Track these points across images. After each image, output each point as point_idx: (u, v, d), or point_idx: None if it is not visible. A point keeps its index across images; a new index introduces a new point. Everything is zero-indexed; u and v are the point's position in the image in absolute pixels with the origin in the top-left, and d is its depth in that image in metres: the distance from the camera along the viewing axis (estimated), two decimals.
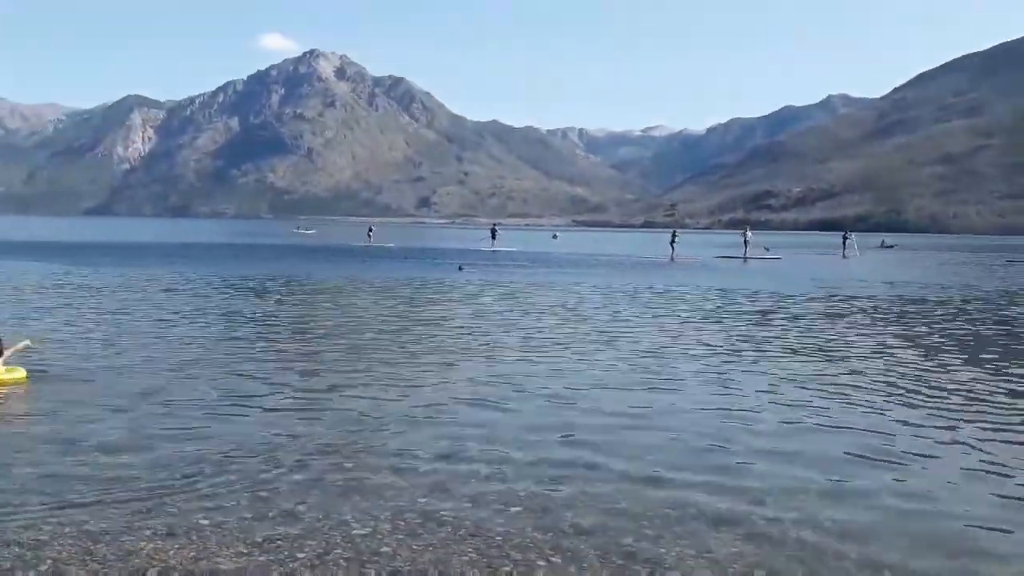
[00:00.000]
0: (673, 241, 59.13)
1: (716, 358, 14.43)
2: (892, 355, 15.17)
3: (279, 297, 25.06)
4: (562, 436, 8.90)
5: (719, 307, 23.99)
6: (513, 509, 6.58)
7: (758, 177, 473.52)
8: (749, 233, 63.48)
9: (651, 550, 5.79)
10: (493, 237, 71.42)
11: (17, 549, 5.55)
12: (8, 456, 7.78)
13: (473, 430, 9.05)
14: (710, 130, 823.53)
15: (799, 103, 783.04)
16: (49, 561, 5.36)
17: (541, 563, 5.57)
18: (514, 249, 67.88)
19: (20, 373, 11.39)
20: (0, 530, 5.88)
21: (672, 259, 54.59)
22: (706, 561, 5.65)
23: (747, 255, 57.89)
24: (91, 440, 8.37)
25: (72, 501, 6.53)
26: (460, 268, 40.22)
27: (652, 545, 5.88)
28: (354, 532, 6.02)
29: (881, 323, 20.63)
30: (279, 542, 5.79)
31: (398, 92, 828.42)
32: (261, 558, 5.51)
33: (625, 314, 21.47)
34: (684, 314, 21.78)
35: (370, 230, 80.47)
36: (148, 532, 5.90)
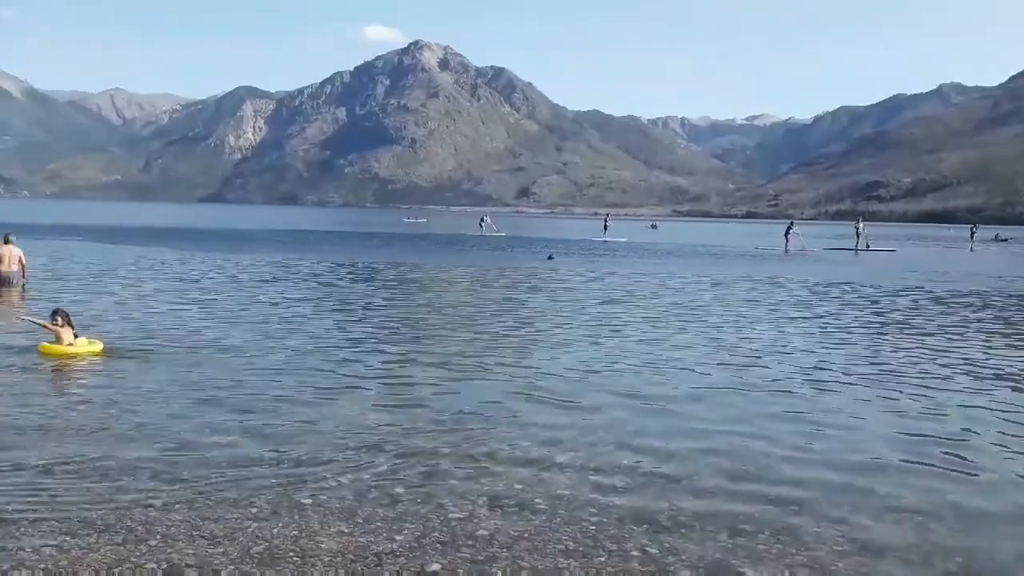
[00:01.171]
0: (788, 232, 57.74)
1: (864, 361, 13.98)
2: None
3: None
4: (666, 430, 8.78)
5: (856, 300, 23.27)
6: (609, 499, 6.52)
7: (866, 167, 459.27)
8: (862, 224, 61.57)
9: (748, 548, 5.66)
10: (605, 228, 71.77)
11: (129, 523, 5.75)
12: (112, 430, 8.09)
13: (572, 418, 9.01)
14: (817, 119, 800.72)
15: (910, 91, 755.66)
16: (159, 536, 5.54)
17: (636, 553, 5.50)
18: (623, 239, 67.67)
19: (97, 346, 11.92)
20: (113, 504, 6.10)
21: (786, 251, 53.40)
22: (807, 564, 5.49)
23: (859, 247, 56.30)
24: (192, 417, 8.65)
25: (179, 477, 6.75)
26: (550, 257, 39.87)
27: (748, 542, 5.75)
28: (451, 516, 6.05)
29: None
30: (378, 523, 5.87)
31: (500, 83, 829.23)
32: (361, 539, 5.59)
33: (748, 308, 21.03)
34: (818, 308, 21.24)
35: (482, 219, 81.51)
36: (253, 510, 6.04)
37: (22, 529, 5.57)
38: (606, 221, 76.25)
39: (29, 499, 6.15)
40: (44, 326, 12.03)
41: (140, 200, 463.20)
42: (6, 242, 20.71)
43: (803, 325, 17.71)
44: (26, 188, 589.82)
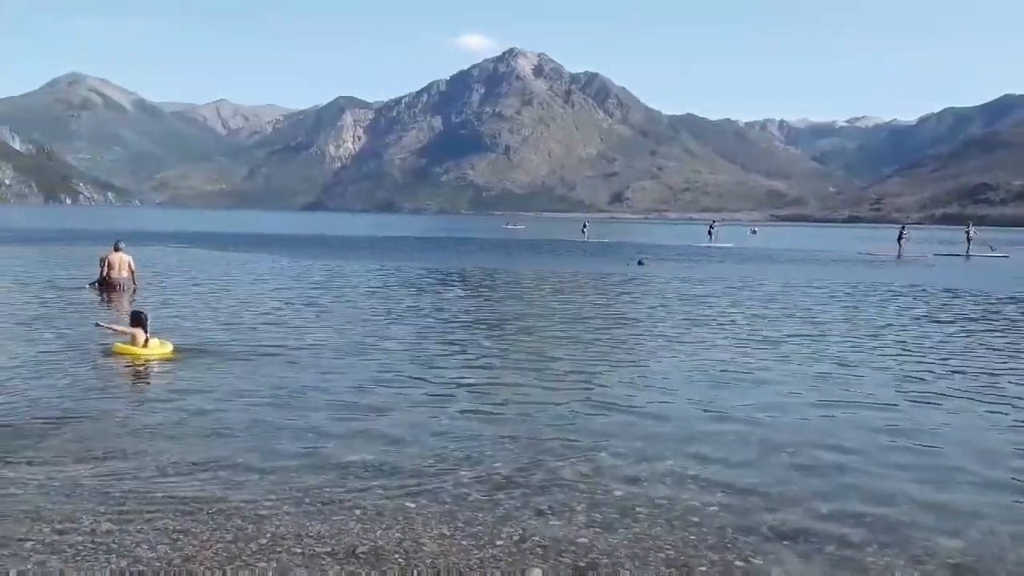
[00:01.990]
0: (901, 237, 56.10)
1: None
2: None
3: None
4: (766, 437, 8.61)
5: (971, 309, 22.34)
6: (711, 509, 6.44)
7: (974, 169, 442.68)
8: (972, 229, 59.51)
9: (854, 562, 5.52)
10: (710, 233, 71.45)
11: (239, 521, 5.93)
12: (212, 429, 8.34)
13: (669, 428, 8.92)
14: (921, 120, 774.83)
15: (1019, 91, 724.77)
16: (268, 535, 5.70)
17: (739, 563, 5.42)
18: (730, 245, 66.96)
19: (168, 347, 12.46)
20: (224, 503, 6.30)
21: (899, 256, 51.83)
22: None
23: (970, 252, 54.36)
24: (287, 419, 8.84)
25: (285, 478, 6.92)
26: (640, 263, 39.38)
27: (855, 555, 5.61)
28: (550, 522, 6.06)
29: None
30: (478, 527, 5.92)
31: (593, 88, 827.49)
32: (462, 542, 5.65)
33: (868, 314, 20.48)
34: (941, 316, 20.54)
35: (584, 226, 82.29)
36: (357, 512, 6.17)
37: (138, 527, 5.79)
38: (712, 226, 75.19)
39: (144, 497, 6.40)
40: (118, 331, 12.64)
41: (244, 208, 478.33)
42: (116, 249, 21.57)
43: (915, 334, 17.12)
44: (136, 197, 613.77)
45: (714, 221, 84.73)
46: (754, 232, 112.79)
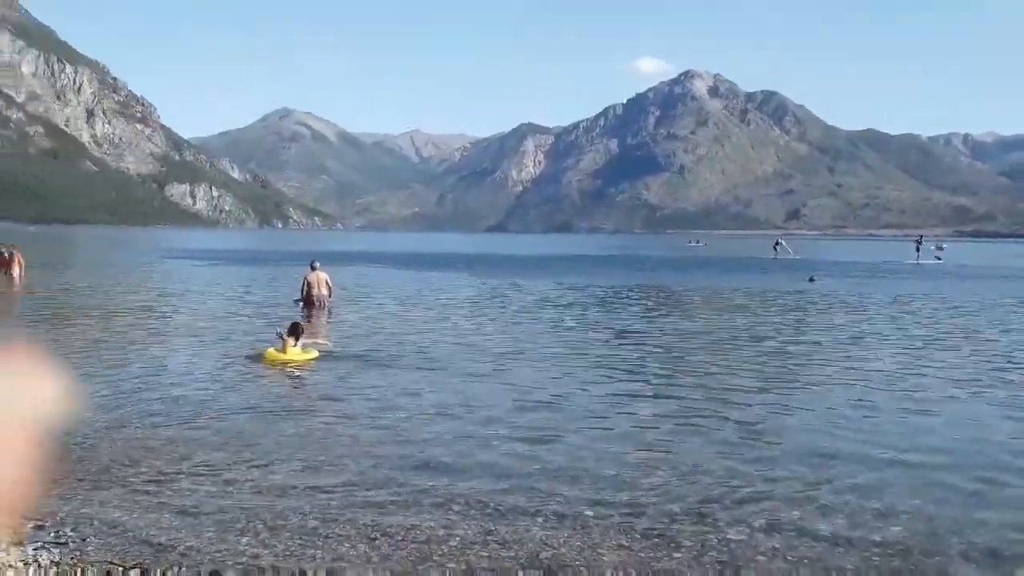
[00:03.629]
0: None
1: None
2: None
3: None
4: (948, 459, 8.07)
5: None
6: (893, 529, 6.07)
7: None
8: None
9: None
10: (917, 250, 67.47)
11: (431, 523, 6.05)
12: (392, 434, 8.56)
13: (847, 446, 8.48)
14: None
15: None
16: (457, 538, 5.80)
17: None
18: (941, 261, 63.31)
19: (312, 354, 13.34)
20: (415, 510, 6.44)
21: None
22: None
23: None
24: (461, 429, 8.94)
25: (469, 484, 7.02)
26: (811, 279, 37.93)
27: None
28: (729, 537, 5.87)
29: None
30: (656, 539, 5.80)
31: (771, 106, 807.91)
32: (640, 553, 5.56)
33: None
34: None
35: (777, 243, 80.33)
36: (540, 519, 6.18)
37: (338, 528, 6.02)
38: (919, 243, 70.07)
39: (344, 498, 6.66)
40: (284, 338, 13.35)
41: (435, 231, 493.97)
42: (312, 269, 22.69)
43: None
44: (339, 221, 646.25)
45: (920, 237, 78.30)
46: (941, 248, 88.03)
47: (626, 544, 5.72)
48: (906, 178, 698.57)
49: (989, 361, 14.37)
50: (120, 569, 5.02)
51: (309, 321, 19.04)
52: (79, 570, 4.64)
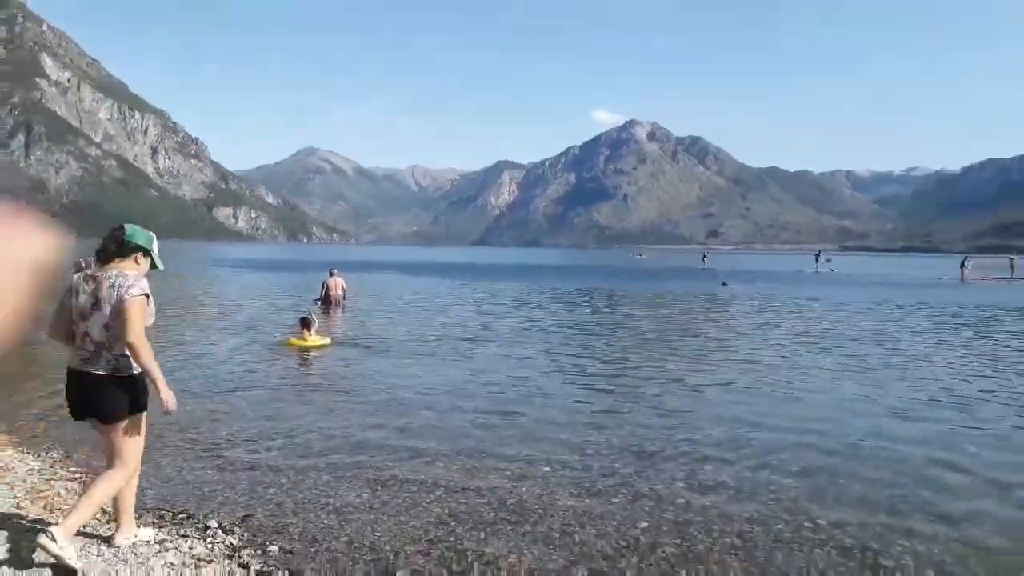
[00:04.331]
0: (963, 264, 52.02)
1: None
2: None
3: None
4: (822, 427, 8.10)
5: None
6: (785, 481, 6.08)
7: (1012, 207, 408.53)
8: (1017, 257, 55.05)
9: None
10: (816, 260, 66.27)
11: (420, 478, 6.00)
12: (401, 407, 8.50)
13: (748, 415, 8.50)
14: (965, 169, 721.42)
15: None
16: (441, 489, 5.75)
17: None
18: (835, 270, 62.62)
19: (327, 340, 13.30)
20: (408, 467, 6.37)
21: (962, 279, 47.66)
22: None
23: (1015, 276, 49.96)
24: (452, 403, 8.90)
25: (452, 447, 6.98)
26: (724, 284, 37.53)
27: None
28: (657, 488, 5.83)
29: None
30: (599, 489, 5.79)
31: (696, 148, 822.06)
32: (587, 500, 5.54)
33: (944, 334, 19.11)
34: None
35: (704, 256, 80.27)
36: (507, 473, 6.13)
37: (346, 482, 5.96)
38: (817, 256, 67.93)
39: (349, 460, 6.59)
40: (297, 331, 13.43)
41: (430, 245, 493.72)
42: (331, 274, 22.52)
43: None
44: (354, 237, 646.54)
45: (819, 251, 77.23)
46: (829, 260, 75.97)
47: (574, 492, 5.71)
48: (801, 205, 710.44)
49: (866, 352, 14.47)
50: (170, 513, 4.98)
51: (328, 316, 18.90)
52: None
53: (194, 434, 7.12)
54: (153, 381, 3.92)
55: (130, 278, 3.96)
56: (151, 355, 3.88)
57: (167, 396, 3.92)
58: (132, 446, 4.06)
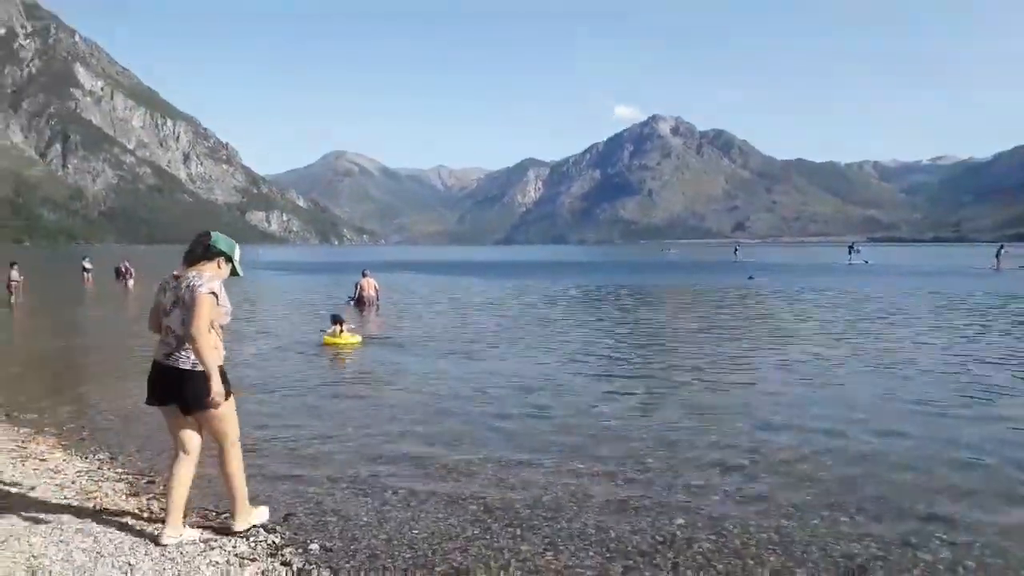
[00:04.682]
0: (999, 254, 50.65)
1: None
2: None
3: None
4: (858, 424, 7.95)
5: None
6: (821, 474, 6.00)
7: None
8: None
9: None
10: (850, 253, 63.76)
11: (458, 472, 6.06)
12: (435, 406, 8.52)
13: (782, 411, 8.40)
14: (996, 156, 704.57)
15: None
16: (478, 483, 5.78)
17: None
18: (872, 262, 59.78)
19: (357, 338, 13.48)
20: (445, 462, 6.38)
21: (997, 268, 46.30)
22: None
23: None
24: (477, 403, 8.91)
25: (487, 444, 6.99)
26: (750, 278, 37.01)
27: None
28: (692, 482, 5.80)
29: None
30: (631, 482, 5.78)
31: (720, 142, 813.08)
32: (621, 493, 5.54)
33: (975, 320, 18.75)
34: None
35: (736, 250, 79.16)
36: (541, 469, 6.12)
37: (384, 477, 6.02)
38: (851, 248, 64.76)
39: (387, 453, 6.64)
40: (338, 325, 13.59)
41: (456, 244, 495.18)
42: (364, 275, 22.70)
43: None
44: (382, 237, 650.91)
45: (853, 243, 73.10)
46: (858, 251, 67.58)
47: (608, 489, 5.67)
48: (828, 196, 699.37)
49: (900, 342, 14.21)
50: (214, 512, 5.04)
51: (362, 316, 19.01)
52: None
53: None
54: (206, 373, 4.19)
55: (204, 277, 4.26)
56: (210, 349, 4.15)
57: (216, 390, 4.22)
58: (232, 426, 4.49)
